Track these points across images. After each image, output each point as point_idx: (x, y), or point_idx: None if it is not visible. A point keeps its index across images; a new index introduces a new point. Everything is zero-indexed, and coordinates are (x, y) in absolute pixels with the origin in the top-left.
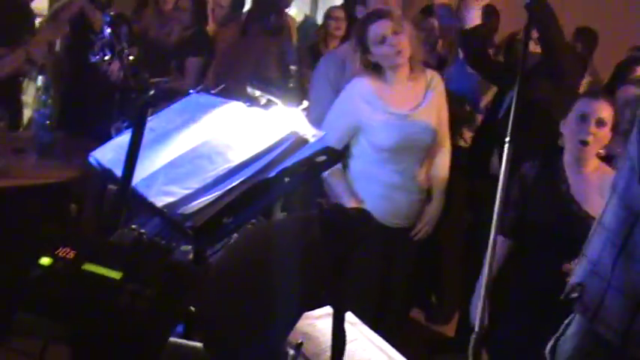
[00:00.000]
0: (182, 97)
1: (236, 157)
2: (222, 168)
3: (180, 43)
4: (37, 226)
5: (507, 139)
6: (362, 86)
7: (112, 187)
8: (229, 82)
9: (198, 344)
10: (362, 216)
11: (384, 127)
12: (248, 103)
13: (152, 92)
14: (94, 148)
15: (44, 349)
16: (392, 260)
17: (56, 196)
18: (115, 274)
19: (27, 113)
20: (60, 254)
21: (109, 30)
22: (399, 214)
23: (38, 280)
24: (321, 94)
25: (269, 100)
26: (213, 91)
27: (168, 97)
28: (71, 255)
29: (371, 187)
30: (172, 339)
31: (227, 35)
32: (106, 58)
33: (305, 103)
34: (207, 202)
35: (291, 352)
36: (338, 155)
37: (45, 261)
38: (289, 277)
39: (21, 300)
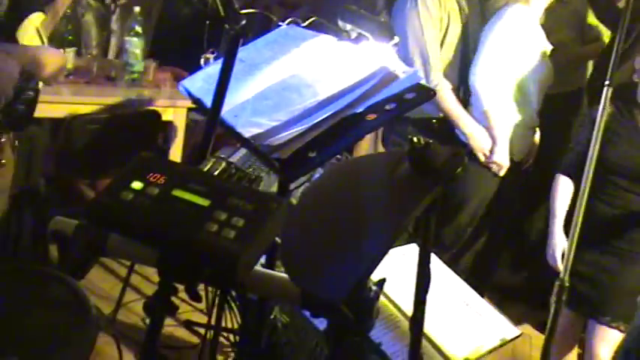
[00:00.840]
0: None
1: (324, 91)
2: (310, 101)
3: None
4: (128, 152)
5: (607, 82)
6: (521, 15)
7: (198, 116)
8: (323, 12)
9: (284, 275)
10: (454, 155)
11: (538, 60)
12: (338, 37)
13: (243, 22)
14: (183, 78)
15: (131, 270)
16: (501, 192)
17: (146, 123)
18: (203, 202)
19: (118, 42)
20: (151, 179)
21: None
22: (521, 149)
23: (129, 203)
24: (417, 30)
25: (359, 34)
26: (303, 24)
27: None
28: (161, 180)
29: (508, 123)
30: (257, 268)
31: None
32: None
33: (396, 39)
34: (294, 134)
35: (374, 288)
36: (428, 92)
37: (136, 185)
38: (377, 213)
39: (113, 222)
